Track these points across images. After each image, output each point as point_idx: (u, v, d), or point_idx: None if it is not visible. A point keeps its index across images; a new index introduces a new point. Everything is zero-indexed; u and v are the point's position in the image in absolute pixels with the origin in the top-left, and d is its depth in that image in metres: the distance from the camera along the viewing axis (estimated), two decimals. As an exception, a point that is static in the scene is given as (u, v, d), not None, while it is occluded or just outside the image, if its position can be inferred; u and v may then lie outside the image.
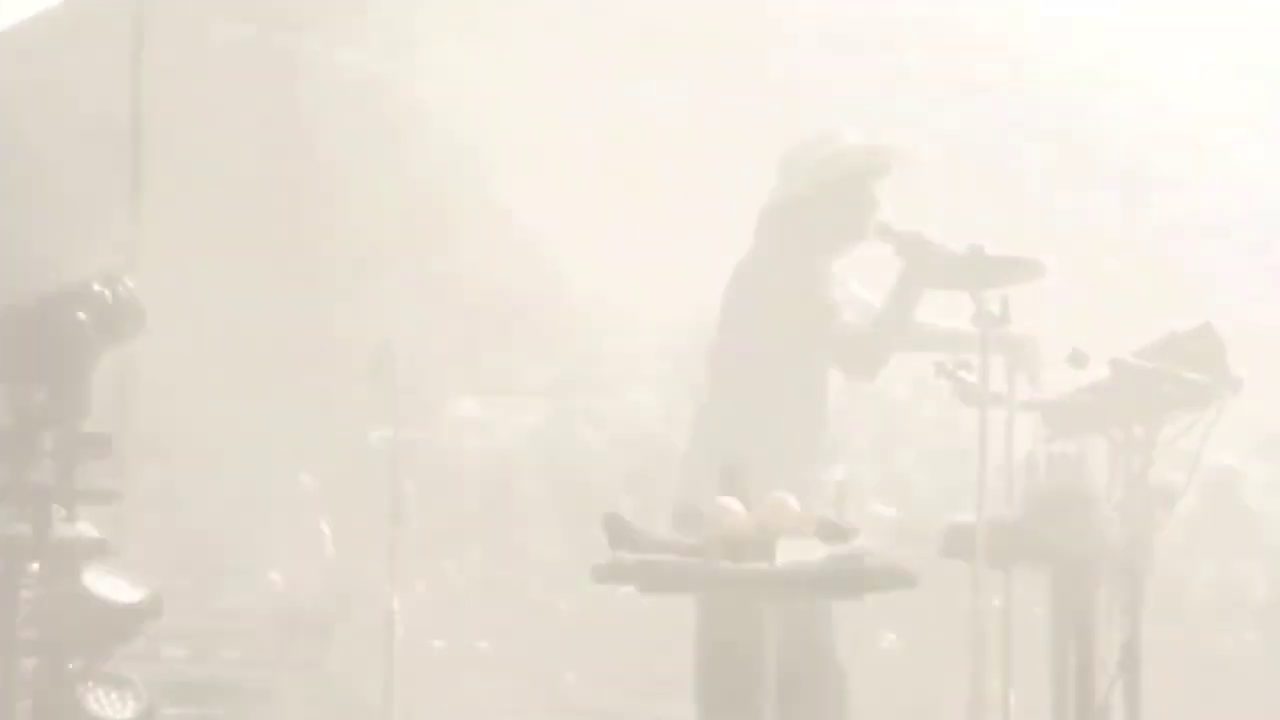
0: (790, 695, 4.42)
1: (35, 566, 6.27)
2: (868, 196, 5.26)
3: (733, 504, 4.59)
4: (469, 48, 11.66)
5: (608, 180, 11.16)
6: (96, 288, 6.34)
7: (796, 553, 4.39)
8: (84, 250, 8.93)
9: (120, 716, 6.23)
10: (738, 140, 10.44)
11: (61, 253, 8.70)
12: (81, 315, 6.25)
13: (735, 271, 5.37)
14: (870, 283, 5.33)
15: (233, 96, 11.22)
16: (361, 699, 7.36)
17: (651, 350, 12.07)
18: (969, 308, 4.66)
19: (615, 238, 11.30)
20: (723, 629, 4.84)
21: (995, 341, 4.57)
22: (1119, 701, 4.53)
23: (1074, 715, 4.53)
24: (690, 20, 11.79)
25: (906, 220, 5.15)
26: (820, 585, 4.32)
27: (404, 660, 9.90)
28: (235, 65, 11.36)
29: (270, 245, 11.07)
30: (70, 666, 6.24)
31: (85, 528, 6.50)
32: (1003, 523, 4.63)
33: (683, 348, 10.15)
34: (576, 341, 12.11)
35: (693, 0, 12.04)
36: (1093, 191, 12.62)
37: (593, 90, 11.70)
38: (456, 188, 11.75)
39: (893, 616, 9.40)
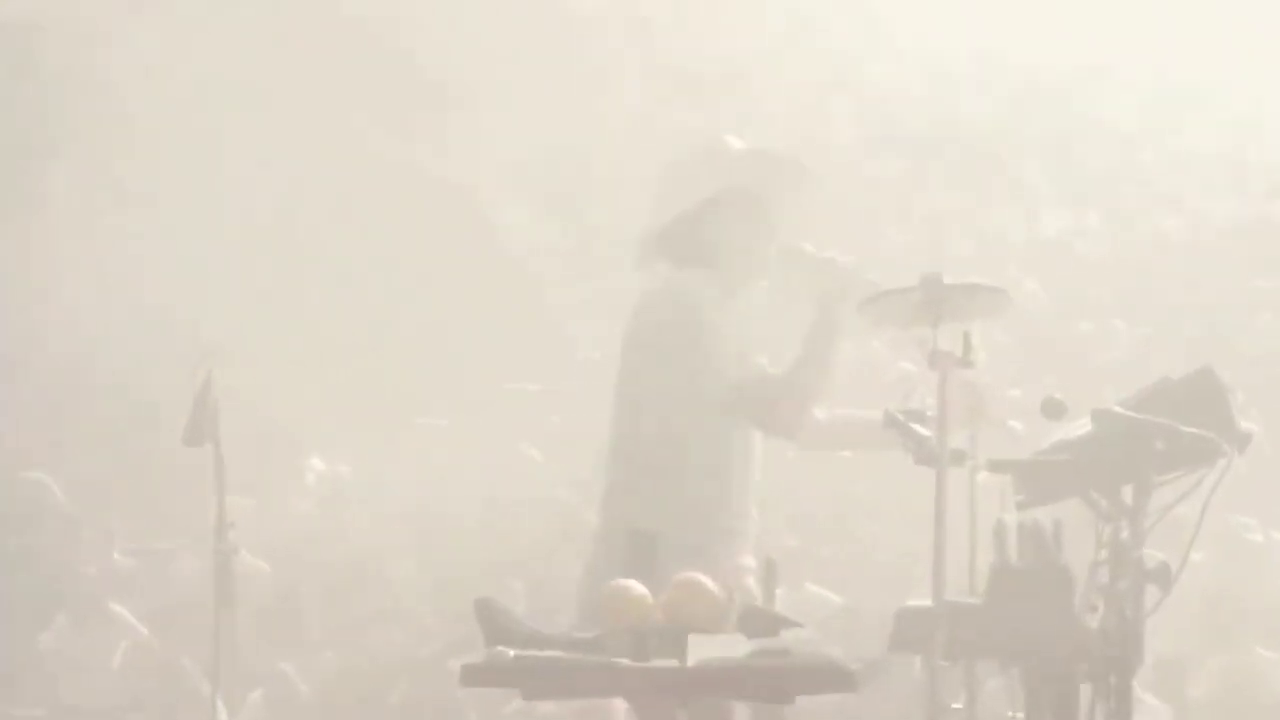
0: None
1: None
2: (767, 212, 5.05)
3: (634, 587, 4.38)
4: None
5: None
6: None
7: (713, 648, 4.17)
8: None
9: None
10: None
11: None
12: None
13: (627, 318, 5.17)
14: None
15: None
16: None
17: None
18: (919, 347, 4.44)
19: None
20: None
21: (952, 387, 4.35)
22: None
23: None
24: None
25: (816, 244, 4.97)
26: (741, 688, 4.10)
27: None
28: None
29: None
30: None
31: None
32: (963, 609, 4.42)
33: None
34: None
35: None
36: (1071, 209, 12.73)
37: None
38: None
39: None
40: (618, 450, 5.20)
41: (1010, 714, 4.56)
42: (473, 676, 4.32)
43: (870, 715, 5.92)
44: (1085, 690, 4.45)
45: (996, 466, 4.63)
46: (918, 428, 4.42)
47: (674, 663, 4.22)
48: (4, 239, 11.04)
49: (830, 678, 4.21)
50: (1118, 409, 4.56)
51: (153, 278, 11.03)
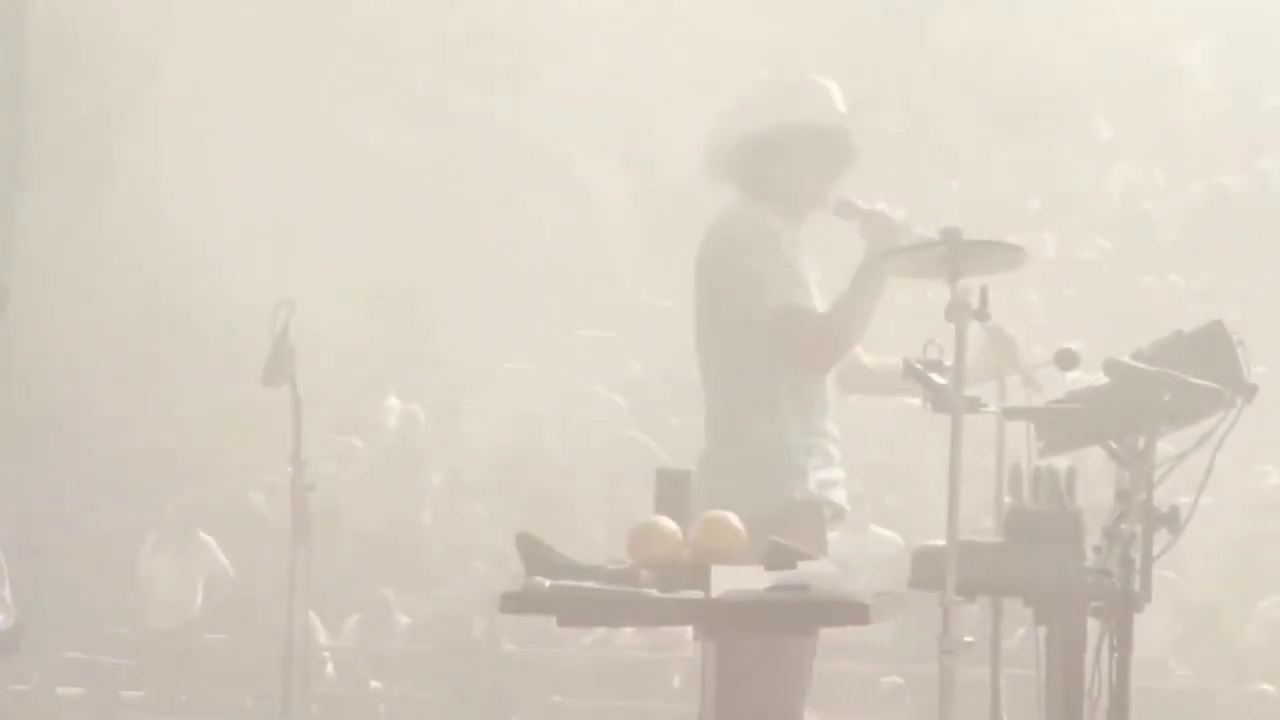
0: None
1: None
2: (835, 155, 5.15)
3: (664, 522, 4.52)
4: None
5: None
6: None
7: (736, 581, 4.30)
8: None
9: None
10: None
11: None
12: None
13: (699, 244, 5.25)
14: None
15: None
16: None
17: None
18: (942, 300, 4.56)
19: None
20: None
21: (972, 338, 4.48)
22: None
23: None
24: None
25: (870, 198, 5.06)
26: (760, 619, 4.23)
27: (334, 704, 9.92)
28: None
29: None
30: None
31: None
32: (979, 549, 4.55)
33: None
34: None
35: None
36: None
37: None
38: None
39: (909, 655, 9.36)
40: (702, 379, 5.29)
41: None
42: (512, 604, 4.44)
43: (898, 647, 6.07)
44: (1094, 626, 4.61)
45: (1013, 414, 4.75)
46: (935, 377, 4.54)
47: (699, 594, 4.37)
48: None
49: (846, 611, 4.31)
50: (1128, 360, 4.67)
51: (246, 223, 11.24)
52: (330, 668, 10.60)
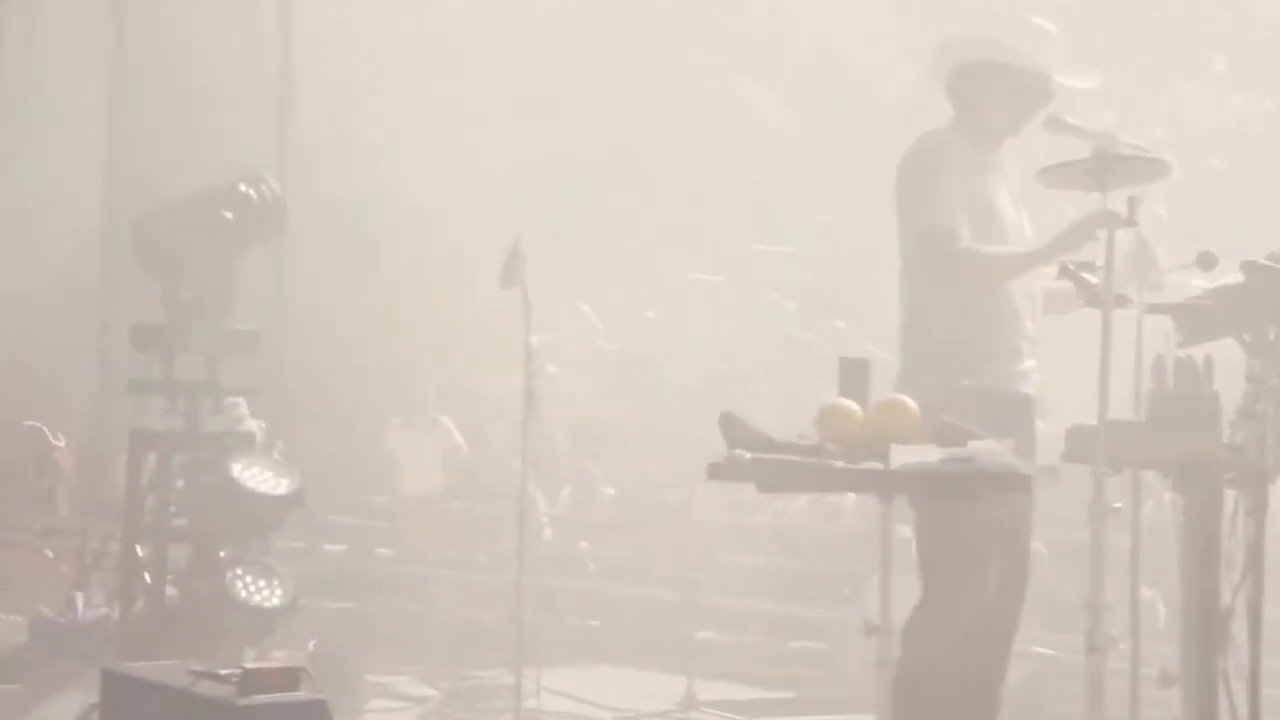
0: None
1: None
2: (1033, 95, 5.05)
3: (848, 404, 4.46)
4: None
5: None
6: (242, 188, 6.39)
7: (911, 455, 4.23)
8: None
9: (267, 604, 6.32)
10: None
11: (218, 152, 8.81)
12: (227, 214, 6.30)
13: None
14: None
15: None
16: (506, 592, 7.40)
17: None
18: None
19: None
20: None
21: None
22: (1243, 606, 4.33)
23: (1199, 617, 4.34)
24: None
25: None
26: (933, 486, 4.16)
27: (550, 560, 10.00)
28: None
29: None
30: (220, 554, 6.34)
31: (247, 423, 6.58)
32: (1126, 427, 4.43)
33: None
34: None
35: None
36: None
37: None
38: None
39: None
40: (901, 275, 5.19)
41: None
42: (717, 472, 4.44)
43: (1049, 517, 5.93)
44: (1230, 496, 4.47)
45: (1156, 309, 4.61)
46: (1087, 276, 4.42)
47: (879, 465, 4.31)
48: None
49: (1009, 480, 4.25)
50: (1264, 260, 4.50)
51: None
52: (547, 531, 10.69)
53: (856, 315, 10.94)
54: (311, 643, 7.04)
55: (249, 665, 3.48)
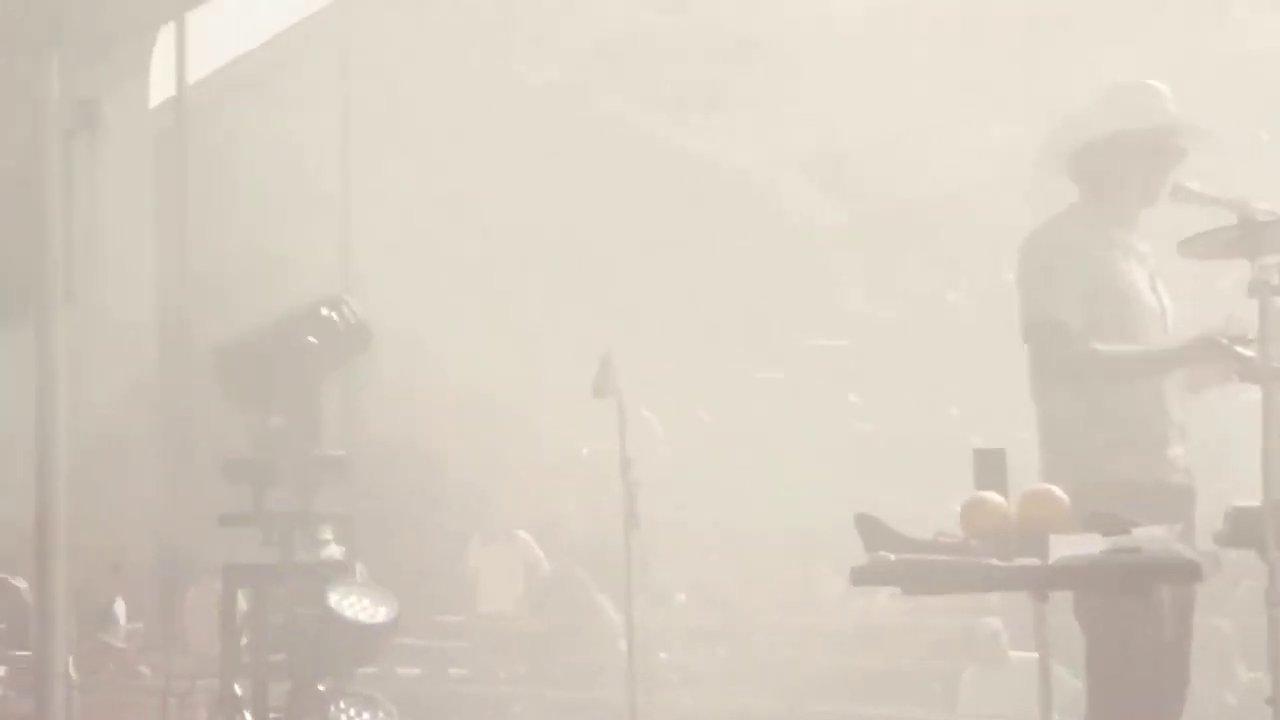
0: None
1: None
2: (1164, 156, 4.80)
3: (992, 497, 4.24)
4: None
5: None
6: (324, 311, 6.24)
7: (1071, 547, 3.99)
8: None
9: (371, 735, 6.09)
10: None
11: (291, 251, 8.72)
12: (312, 339, 6.14)
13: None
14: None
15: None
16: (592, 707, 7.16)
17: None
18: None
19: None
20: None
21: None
22: None
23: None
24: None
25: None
26: (1100, 581, 3.93)
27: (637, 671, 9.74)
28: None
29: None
30: (321, 688, 6.12)
31: (332, 550, 6.39)
32: (1286, 506, 4.19)
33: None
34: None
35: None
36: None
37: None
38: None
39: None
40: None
41: None
42: (862, 576, 4.23)
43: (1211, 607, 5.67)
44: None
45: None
46: (1241, 350, 4.21)
47: (1036, 561, 4.08)
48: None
49: (1177, 570, 4.03)
50: None
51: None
52: (622, 643, 10.44)
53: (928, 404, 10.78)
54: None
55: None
